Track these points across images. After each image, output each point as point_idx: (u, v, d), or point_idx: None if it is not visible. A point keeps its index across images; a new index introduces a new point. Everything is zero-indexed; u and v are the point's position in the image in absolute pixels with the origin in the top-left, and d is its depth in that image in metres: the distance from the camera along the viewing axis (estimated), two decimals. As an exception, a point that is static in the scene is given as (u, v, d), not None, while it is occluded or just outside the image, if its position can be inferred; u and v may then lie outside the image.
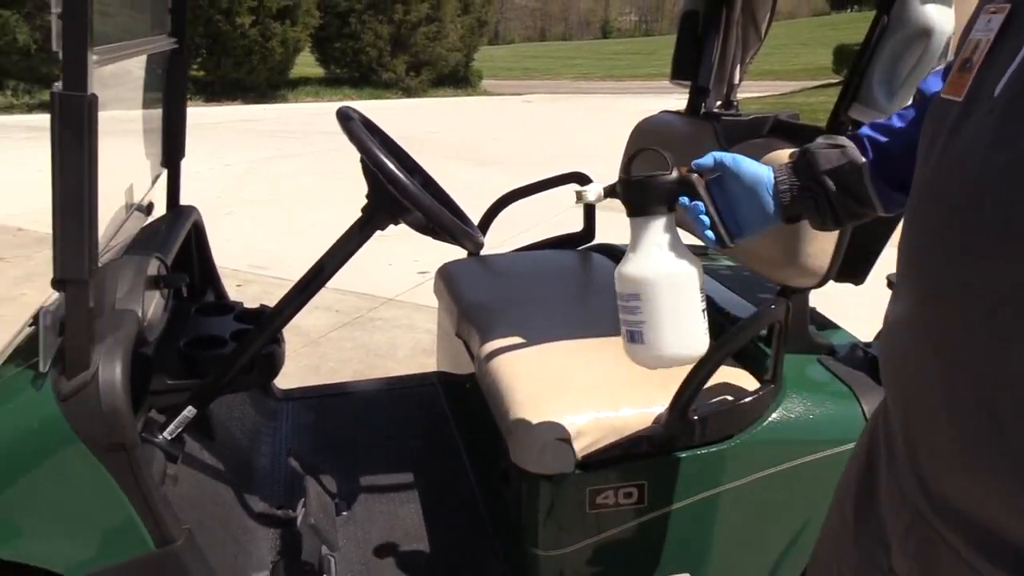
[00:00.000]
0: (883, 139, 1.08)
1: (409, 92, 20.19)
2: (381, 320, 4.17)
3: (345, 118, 1.30)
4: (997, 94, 0.67)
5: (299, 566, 1.58)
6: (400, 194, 1.29)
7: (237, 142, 10.43)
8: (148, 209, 1.82)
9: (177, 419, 1.45)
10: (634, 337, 1.14)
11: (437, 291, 2.21)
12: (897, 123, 1.09)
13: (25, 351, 1.37)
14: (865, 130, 1.11)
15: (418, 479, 1.96)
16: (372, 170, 1.30)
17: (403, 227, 1.45)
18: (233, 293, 2.23)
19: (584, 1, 78.48)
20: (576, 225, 2.44)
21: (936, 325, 0.73)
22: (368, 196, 1.38)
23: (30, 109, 15.07)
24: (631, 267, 1.12)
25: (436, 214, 1.34)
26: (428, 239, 1.51)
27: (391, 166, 1.27)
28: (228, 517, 1.68)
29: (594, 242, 2.39)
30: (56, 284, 1.13)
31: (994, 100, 0.67)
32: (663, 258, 1.11)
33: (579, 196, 1.18)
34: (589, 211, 2.39)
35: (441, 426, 2.18)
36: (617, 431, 1.43)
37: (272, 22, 17.42)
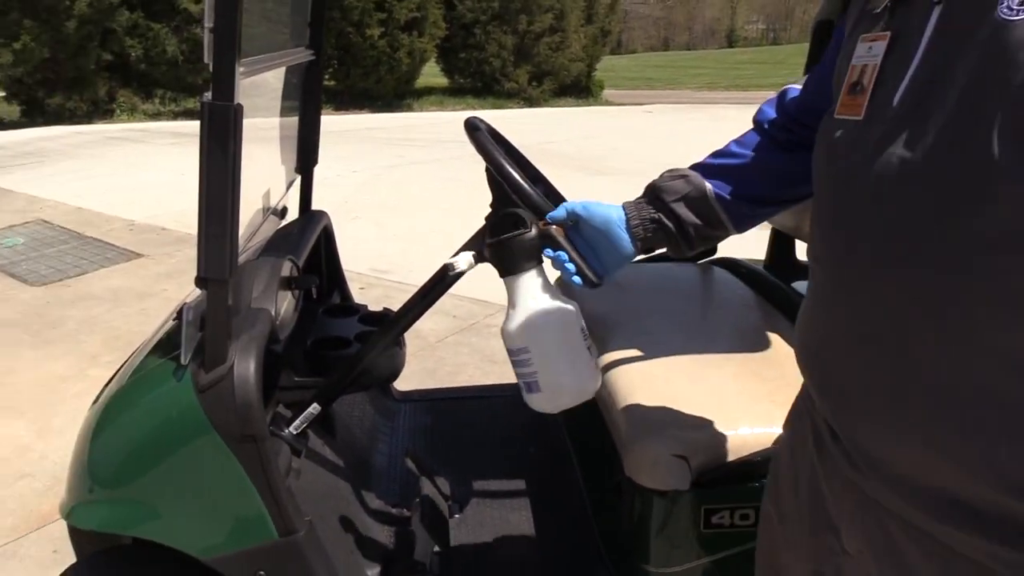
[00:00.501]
0: (724, 161, 1.19)
1: (531, 102, 20.34)
2: (497, 327, 4.21)
3: (472, 128, 1.32)
4: (895, 104, 0.76)
5: (411, 564, 1.61)
6: (526, 205, 1.30)
7: (364, 149, 10.78)
8: (282, 213, 1.90)
9: (303, 415, 1.50)
10: (531, 388, 1.20)
11: (555, 300, 2.21)
12: (735, 148, 1.19)
13: (167, 344, 1.45)
14: (707, 159, 1.21)
15: (530, 486, 1.97)
16: (497, 180, 1.32)
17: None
18: (356, 296, 2.30)
19: (709, 9, 77.07)
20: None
21: (853, 318, 0.81)
22: (492, 205, 1.40)
23: (175, 116, 16.03)
24: (513, 324, 1.18)
25: None
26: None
27: (516, 177, 1.29)
28: (346, 512, 1.73)
29: (716, 256, 2.35)
30: (199, 282, 1.19)
31: (893, 109, 0.76)
32: (540, 309, 1.17)
33: (449, 267, 1.27)
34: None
35: (555, 435, 2.18)
36: (735, 450, 1.40)
37: (400, 33, 17.92)
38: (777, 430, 1.39)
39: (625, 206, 1.20)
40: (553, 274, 1.23)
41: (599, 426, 1.64)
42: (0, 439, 3.15)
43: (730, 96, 23.79)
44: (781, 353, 1.66)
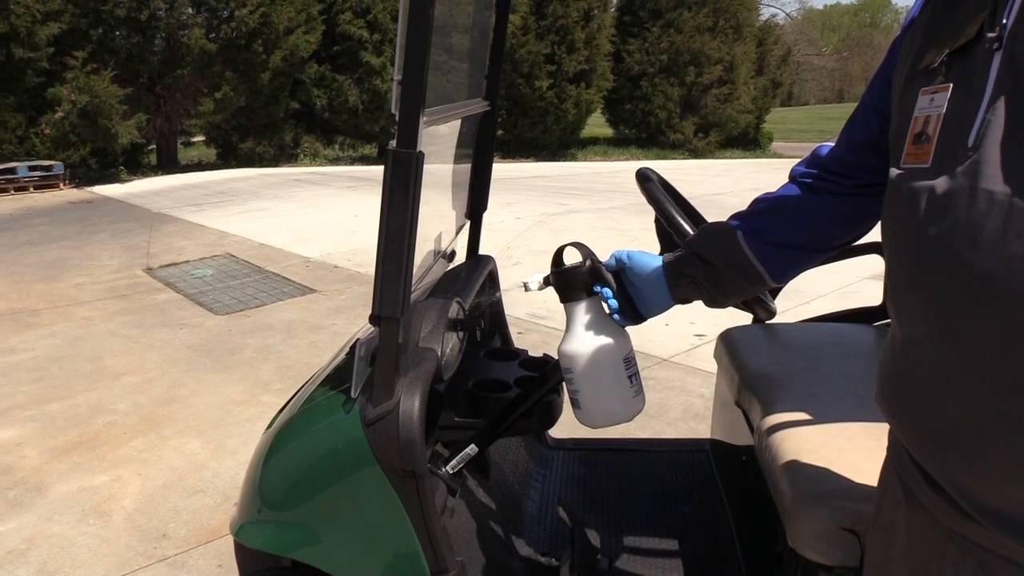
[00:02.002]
0: (756, 208, 1.22)
1: (696, 153, 20.14)
2: (654, 380, 4.14)
3: (644, 179, 1.32)
4: (971, 144, 0.78)
5: None
6: None
7: (528, 197, 11.00)
8: (451, 256, 1.95)
9: (460, 455, 1.52)
10: (575, 403, 1.35)
11: (718, 356, 2.15)
12: (768, 196, 1.22)
13: (337, 376, 1.52)
14: (743, 210, 1.24)
15: (683, 547, 1.91)
16: (666, 230, 1.31)
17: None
18: (514, 341, 2.33)
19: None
20: (874, 298, 2.27)
21: (953, 361, 0.79)
22: (661, 254, 1.39)
23: (352, 161, 17.00)
24: (564, 345, 1.33)
25: None
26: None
27: (687, 228, 1.27)
28: (496, 556, 1.73)
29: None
30: (373, 319, 1.23)
31: (968, 148, 0.78)
32: (586, 336, 1.30)
33: (526, 286, 1.40)
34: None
35: (711, 496, 2.10)
36: (912, 528, 1.29)
37: (568, 85, 18.28)
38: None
39: (664, 258, 1.29)
40: None
41: (761, 490, 1.57)
42: (179, 456, 3.39)
43: (909, 151, 22.58)
44: (967, 428, 1.53)
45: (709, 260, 1.23)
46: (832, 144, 1.19)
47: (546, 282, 1.37)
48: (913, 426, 0.89)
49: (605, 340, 1.30)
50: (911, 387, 0.87)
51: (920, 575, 0.91)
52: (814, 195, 1.18)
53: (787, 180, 1.24)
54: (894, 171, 0.91)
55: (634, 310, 1.31)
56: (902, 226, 0.88)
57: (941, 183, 0.81)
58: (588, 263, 1.31)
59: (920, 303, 0.84)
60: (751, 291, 1.25)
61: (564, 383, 1.36)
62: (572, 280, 1.31)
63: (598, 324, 1.31)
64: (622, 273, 1.33)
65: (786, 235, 1.19)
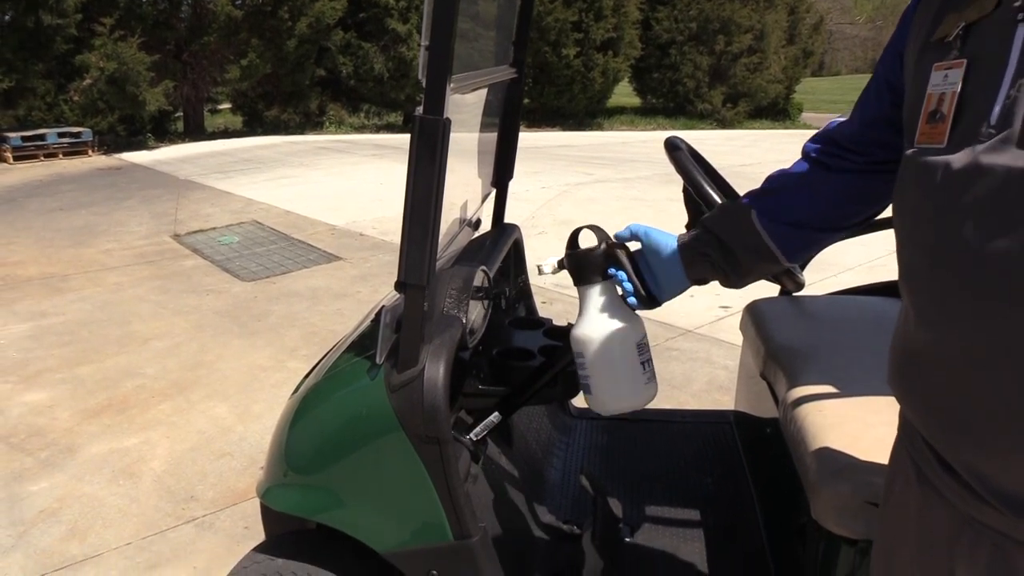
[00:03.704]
0: (768, 187, 1.19)
1: (724, 123, 19.89)
2: (678, 351, 4.13)
3: (673, 147, 1.31)
4: (994, 122, 0.75)
5: None
6: None
7: (554, 166, 10.94)
8: (476, 224, 1.95)
9: (484, 422, 1.52)
10: (586, 389, 1.32)
11: (744, 328, 2.14)
12: (780, 174, 1.19)
13: (362, 343, 1.52)
14: (755, 189, 1.21)
15: (705, 518, 1.91)
16: (695, 200, 1.29)
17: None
18: (539, 309, 2.32)
19: (925, 30, 72.28)
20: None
21: (966, 341, 0.78)
22: (688, 226, 1.37)
23: (377, 129, 16.96)
24: (576, 329, 1.30)
25: None
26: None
27: (716, 197, 1.26)
28: (518, 522, 1.75)
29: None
30: (399, 286, 1.24)
31: (991, 125, 0.76)
32: (598, 321, 1.27)
33: (539, 269, 1.37)
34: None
35: (734, 468, 2.10)
36: (937, 503, 1.29)
37: (595, 53, 18.07)
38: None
39: (679, 237, 1.26)
40: None
41: (785, 462, 1.56)
42: (206, 419, 3.44)
43: (942, 123, 22.12)
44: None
45: (723, 239, 1.20)
46: (843, 119, 1.16)
47: (560, 265, 1.34)
48: (926, 409, 0.87)
49: (618, 325, 1.28)
50: (925, 369, 0.86)
51: (932, 557, 0.90)
52: (827, 172, 1.15)
53: (800, 157, 1.21)
54: (908, 150, 0.89)
55: (648, 294, 1.27)
56: (917, 207, 0.86)
57: (959, 162, 0.78)
58: (603, 246, 1.28)
59: (937, 286, 0.82)
60: (767, 271, 1.23)
61: (576, 368, 1.34)
62: (586, 263, 1.29)
63: (611, 308, 1.29)
64: (637, 254, 1.29)
65: (800, 214, 1.16)
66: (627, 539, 1.82)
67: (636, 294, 1.26)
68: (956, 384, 0.81)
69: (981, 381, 0.78)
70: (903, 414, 0.98)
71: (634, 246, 1.30)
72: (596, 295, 1.29)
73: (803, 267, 2.00)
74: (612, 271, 1.27)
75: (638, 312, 1.30)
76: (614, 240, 1.29)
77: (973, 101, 0.79)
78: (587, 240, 1.31)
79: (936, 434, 0.86)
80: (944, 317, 0.82)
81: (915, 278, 0.86)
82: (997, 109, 0.76)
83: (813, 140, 1.18)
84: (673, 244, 1.25)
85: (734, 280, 1.23)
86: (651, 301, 1.27)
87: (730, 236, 1.20)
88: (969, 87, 0.80)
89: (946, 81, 0.82)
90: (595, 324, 1.28)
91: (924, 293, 0.85)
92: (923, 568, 0.92)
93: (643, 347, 1.30)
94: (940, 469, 0.87)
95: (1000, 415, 0.76)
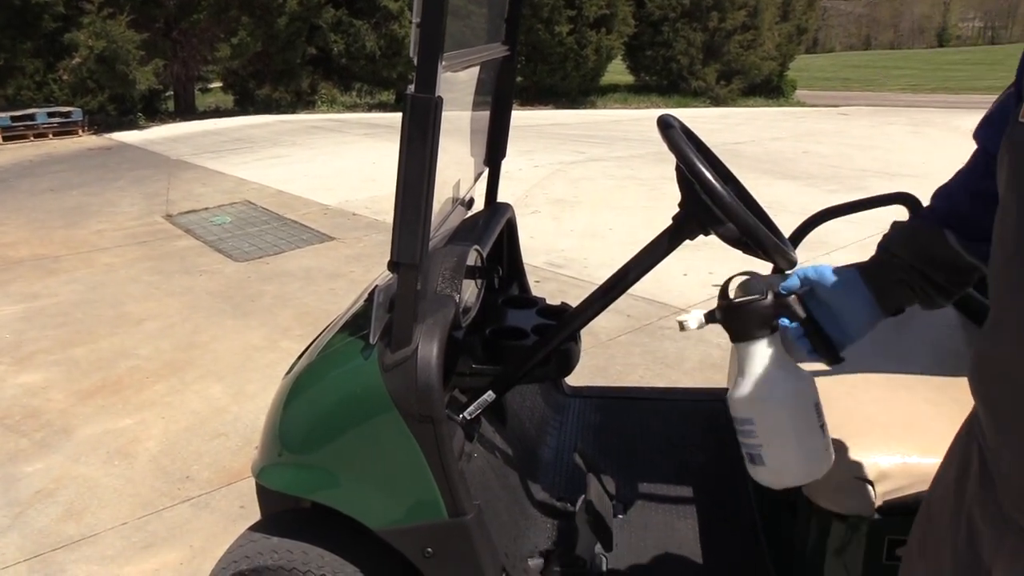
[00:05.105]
0: (956, 204, 1.07)
1: (717, 101, 19.85)
2: (671, 329, 4.14)
3: (665, 126, 1.30)
4: None
5: (573, 559, 1.61)
6: (716, 205, 1.26)
7: (546, 145, 10.90)
8: (469, 204, 1.95)
9: (477, 401, 1.53)
10: (753, 459, 1.15)
11: (735, 306, 2.14)
12: (964, 183, 1.08)
13: (356, 323, 1.53)
14: (936, 202, 1.11)
15: (698, 495, 1.93)
16: (688, 179, 1.29)
17: (699, 237, 1.43)
18: (532, 289, 2.33)
19: (919, 5, 71.97)
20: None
21: None
22: (681, 205, 1.37)
23: (370, 108, 16.88)
24: (740, 391, 1.13)
25: (752, 228, 1.29)
26: (725, 252, 1.47)
27: (709, 176, 1.25)
28: (512, 500, 1.76)
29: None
30: (391, 266, 1.24)
31: None
32: (769, 381, 1.11)
33: (681, 325, 1.19)
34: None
35: (726, 445, 2.12)
36: (926, 479, 1.29)
37: (588, 30, 17.98)
38: (977, 462, 1.29)
39: (860, 268, 1.12)
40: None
41: (776, 440, 1.57)
42: (201, 400, 3.44)
43: (936, 99, 22.14)
44: (986, 379, 1.53)
45: (915, 264, 1.08)
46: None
47: (709, 319, 1.18)
48: (990, 411, 0.82)
49: (794, 384, 1.12)
50: (992, 368, 0.81)
51: (966, 553, 0.88)
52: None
53: (976, 149, 1.09)
54: (1012, 123, 0.81)
55: (828, 342, 1.11)
56: (1011, 189, 0.79)
57: None
58: (770, 295, 1.12)
59: (1009, 282, 0.76)
60: (970, 284, 1.10)
61: (738, 434, 1.16)
62: (750, 316, 1.12)
63: (782, 365, 1.12)
64: (812, 295, 1.13)
65: (982, 228, 1.00)
66: (620, 516, 1.83)
67: (817, 349, 1.11)
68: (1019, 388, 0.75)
69: None
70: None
71: None
72: (763, 351, 1.12)
73: (796, 245, 2.01)
74: (785, 323, 1.11)
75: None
76: (779, 291, 1.13)
77: None
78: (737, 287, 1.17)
79: (997, 437, 0.81)
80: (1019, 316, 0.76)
81: (993, 272, 0.81)
82: None
83: (987, 133, 1.06)
84: (855, 278, 1.11)
85: (939, 300, 1.10)
86: (833, 350, 1.11)
87: (922, 259, 1.08)
88: None
89: None
90: (766, 385, 1.11)
91: (996, 290, 0.80)
92: (965, 563, 0.89)
93: (819, 408, 1.14)
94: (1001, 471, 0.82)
95: None
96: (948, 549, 0.93)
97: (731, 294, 1.16)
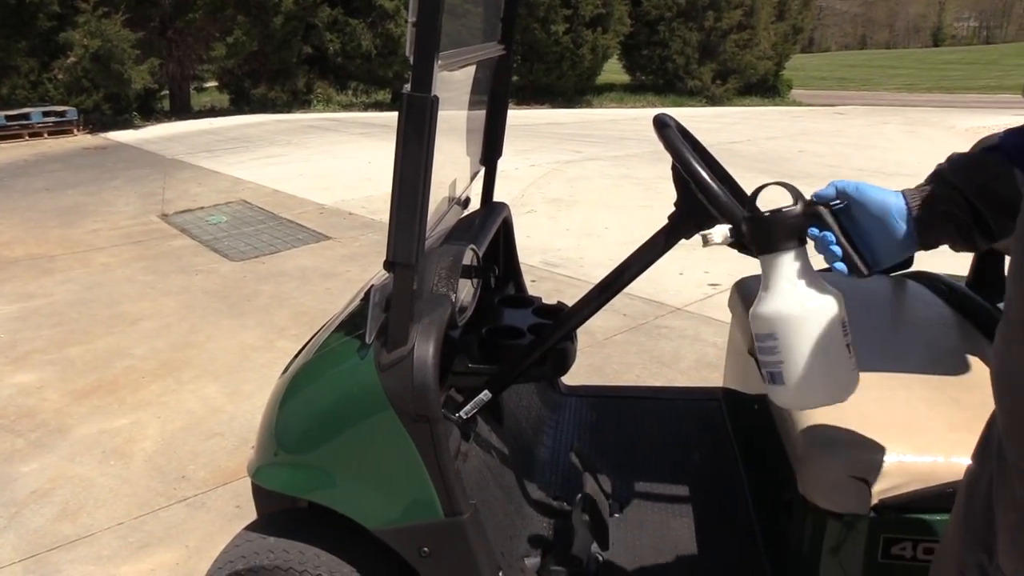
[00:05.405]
0: (1021, 138, 1.01)
1: (713, 100, 19.86)
2: (667, 328, 4.14)
3: (661, 125, 1.30)
4: None
5: (569, 558, 1.61)
6: (712, 205, 1.26)
7: (543, 144, 10.90)
8: (465, 203, 1.94)
9: (474, 400, 1.53)
10: (774, 378, 1.11)
11: (732, 305, 2.14)
12: None
13: (352, 323, 1.52)
14: (1004, 137, 1.03)
15: (694, 494, 1.93)
16: (684, 178, 1.29)
17: (695, 237, 1.43)
18: (528, 288, 2.33)
19: (914, 5, 72.07)
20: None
21: None
22: (677, 204, 1.37)
23: (366, 107, 16.86)
24: (764, 306, 1.09)
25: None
26: (721, 251, 1.47)
27: (705, 176, 1.25)
28: (508, 499, 1.76)
29: (913, 269, 2.19)
30: (387, 265, 1.23)
31: None
32: (797, 294, 1.07)
33: (705, 240, 1.17)
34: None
35: (723, 444, 2.12)
36: (924, 478, 1.30)
37: (584, 30, 17.99)
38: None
39: (906, 193, 1.06)
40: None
41: (772, 438, 1.58)
42: (197, 400, 3.44)
43: (931, 99, 22.16)
44: (982, 379, 1.53)
45: (973, 201, 1.02)
46: None
47: (735, 233, 1.15)
48: (1007, 416, 0.81)
49: (822, 298, 1.07)
50: (1007, 373, 0.80)
51: (986, 530, 0.87)
52: None
53: None
54: None
55: (861, 258, 1.06)
56: None
57: None
58: (800, 204, 1.08)
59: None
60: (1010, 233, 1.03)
61: (757, 355, 1.13)
62: (780, 226, 1.08)
63: (810, 278, 1.08)
64: (845, 212, 1.09)
65: None
66: (616, 515, 1.83)
67: (846, 259, 1.06)
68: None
69: None
70: None
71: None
72: (791, 264, 1.08)
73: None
74: (815, 233, 1.07)
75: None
76: (812, 199, 1.09)
77: None
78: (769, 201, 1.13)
79: (1012, 439, 0.80)
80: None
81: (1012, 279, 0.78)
82: None
83: None
84: (898, 203, 1.05)
85: (981, 244, 1.04)
86: (864, 266, 1.06)
87: (982, 194, 1.01)
88: None
89: None
90: (792, 298, 1.07)
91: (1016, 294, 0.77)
92: (977, 537, 0.89)
93: (846, 326, 1.09)
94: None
95: None
96: (957, 529, 0.94)
97: (760, 206, 1.11)
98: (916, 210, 1.04)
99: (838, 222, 1.07)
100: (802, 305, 1.07)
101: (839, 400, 1.13)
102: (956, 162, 1.06)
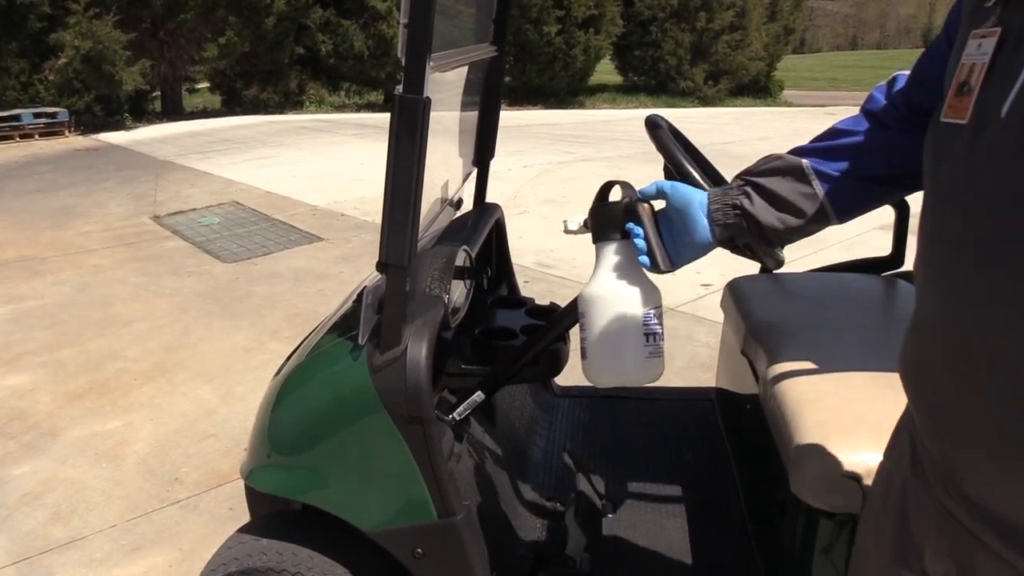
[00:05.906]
0: (823, 143, 1.11)
1: (705, 101, 19.90)
2: (667, 331, 4.14)
3: (653, 126, 1.30)
4: (1004, 115, 0.66)
5: (562, 558, 1.62)
6: None
7: (535, 145, 10.91)
8: (458, 204, 1.95)
9: (467, 402, 1.53)
10: (584, 353, 1.23)
11: (724, 306, 2.15)
12: (837, 127, 1.12)
13: (345, 324, 1.52)
14: (805, 144, 1.14)
15: (687, 494, 1.93)
16: (676, 179, 1.29)
17: None
18: (520, 289, 2.33)
19: (905, 6, 72.33)
20: (882, 248, 2.26)
21: (961, 336, 0.72)
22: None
23: (358, 108, 16.84)
24: (585, 288, 1.22)
25: None
26: (717, 252, 1.47)
27: (697, 176, 1.26)
28: (502, 500, 1.76)
29: (903, 268, 2.20)
30: (380, 267, 1.23)
31: (1003, 121, 0.66)
32: (607, 281, 1.19)
33: (565, 225, 1.29)
34: (899, 234, 2.20)
35: (715, 444, 2.13)
36: (914, 476, 1.31)
37: (577, 31, 18.00)
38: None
39: (710, 191, 1.16)
40: None
41: (765, 438, 1.58)
42: (189, 401, 3.43)
43: (922, 100, 22.20)
44: (972, 378, 1.54)
45: (767, 190, 1.10)
46: (908, 74, 1.11)
47: (585, 224, 1.26)
48: (917, 404, 0.84)
49: (628, 288, 1.18)
50: (915, 363, 0.83)
51: (907, 539, 0.89)
52: (883, 129, 1.10)
53: (859, 111, 1.14)
54: (933, 122, 0.81)
55: (665, 253, 1.16)
56: (929, 193, 0.80)
57: (969, 150, 0.71)
58: (625, 200, 1.19)
59: (931, 282, 0.78)
60: (807, 230, 1.13)
61: (578, 328, 1.25)
62: (606, 217, 1.20)
63: (625, 270, 1.19)
64: (662, 212, 1.18)
65: (854, 168, 1.09)
66: (609, 515, 1.84)
67: (649, 253, 1.15)
68: (937, 383, 0.78)
69: (955, 384, 0.74)
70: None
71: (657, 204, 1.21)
72: (611, 254, 1.21)
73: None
74: (630, 227, 1.17)
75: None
76: (639, 196, 1.19)
77: (997, 80, 0.69)
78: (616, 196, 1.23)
79: (923, 429, 0.83)
80: (933, 313, 0.78)
81: (916, 269, 0.83)
82: (1010, 99, 0.66)
83: (876, 93, 1.13)
84: (701, 198, 1.14)
85: (772, 240, 1.13)
86: (664, 262, 1.15)
87: (775, 186, 1.10)
88: (998, 62, 0.70)
89: (979, 51, 0.73)
90: (603, 285, 1.20)
91: (920, 285, 0.81)
92: (900, 544, 0.91)
93: (652, 318, 1.19)
94: (930, 460, 0.84)
95: (968, 421, 0.73)
96: (882, 532, 0.95)
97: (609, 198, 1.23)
98: (713, 204, 1.14)
99: (655, 219, 1.17)
100: (608, 291, 1.19)
101: (630, 383, 1.23)
102: (759, 162, 1.15)
